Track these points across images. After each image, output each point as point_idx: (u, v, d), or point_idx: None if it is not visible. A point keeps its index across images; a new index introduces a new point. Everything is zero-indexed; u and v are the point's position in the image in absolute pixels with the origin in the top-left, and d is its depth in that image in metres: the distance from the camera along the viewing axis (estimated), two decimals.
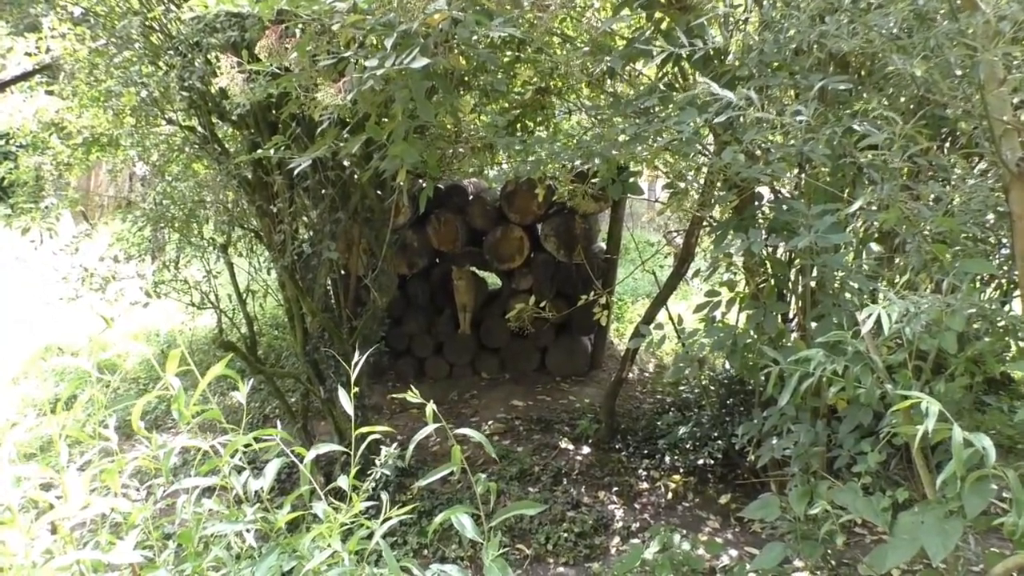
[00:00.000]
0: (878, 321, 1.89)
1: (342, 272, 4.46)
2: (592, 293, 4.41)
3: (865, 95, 2.57)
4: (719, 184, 3.20)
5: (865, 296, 2.55)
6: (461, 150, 3.66)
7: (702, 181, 3.49)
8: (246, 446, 1.57)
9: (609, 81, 3.83)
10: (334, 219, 3.98)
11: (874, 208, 2.33)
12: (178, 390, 1.50)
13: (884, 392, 2.06)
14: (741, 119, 2.38)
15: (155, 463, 1.58)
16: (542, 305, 5.03)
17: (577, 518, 3.99)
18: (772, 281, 3.07)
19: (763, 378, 2.70)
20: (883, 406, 2.18)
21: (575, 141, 3.16)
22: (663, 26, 3.16)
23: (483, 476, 1.68)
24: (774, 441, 2.87)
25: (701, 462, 4.38)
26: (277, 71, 2.57)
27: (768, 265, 3.13)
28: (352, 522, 1.59)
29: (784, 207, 2.75)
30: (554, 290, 6.05)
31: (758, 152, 2.74)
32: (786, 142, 2.45)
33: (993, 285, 3.00)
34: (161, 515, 2.02)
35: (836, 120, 2.33)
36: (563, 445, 4.92)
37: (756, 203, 3.19)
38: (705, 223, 3.97)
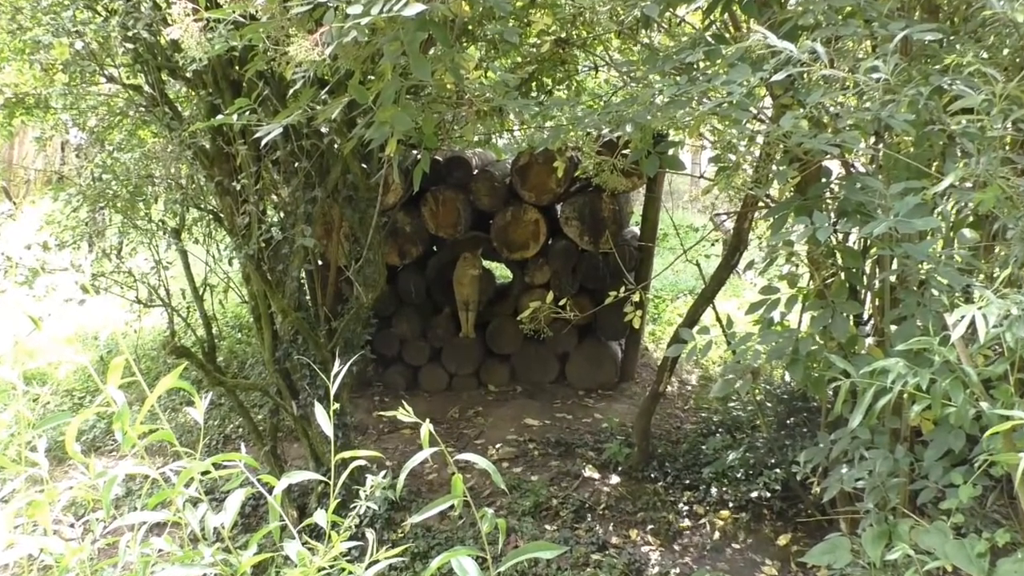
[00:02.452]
0: (972, 325, 1.87)
1: (319, 262, 4.48)
2: (623, 289, 4.39)
3: (958, 47, 2.53)
4: (777, 157, 3.18)
5: (956, 294, 2.54)
6: (463, 115, 3.64)
7: (757, 153, 3.45)
8: (203, 473, 1.57)
9: (644, 31, 3.82)
10: (310, 198, 3.99)
11: (968, 186, 2.31)
12: (121, 406, 1.50)
13: (979, 412, 2.05)
14: (804, 77, 2.37)
15: (93, 494, 1.57)
16: (562, 303, 5.01)
17: (604, 562, 3.99)
18: (842, 275, 3.06)
19: (831, 393, 2.67)
20: (978, 429, 2.16)
21: (602, 104, 3.16)
22: None
23: (489, 511, 1.67)
24: (844, 470, 2.85)
25: (755, 495, 4.39)
26: (241, 19, 2.57)
27: (837, 256, 3.10)
28: (331, 566, 1.59)
29: (857, 185, 2.74)
30: (576, 285, 6.09)
31: (825, 118, 2.73)
32: (860, 106, 2.44)
33: None
34: (101, 557, 2.03)
35: (922, 78, 2.31)
36: (587, 473, 4.93)
37: (823, 180, 3.15)
38: (760, 204, 3.96)
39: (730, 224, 4.42)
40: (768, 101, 3.34)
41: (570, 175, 5.50)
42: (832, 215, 2.80)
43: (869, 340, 3.29)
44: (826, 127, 2.66)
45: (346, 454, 1.72)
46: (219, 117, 3.24)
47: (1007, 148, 2.35)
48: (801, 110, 2.40)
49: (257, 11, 2.55)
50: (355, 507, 1.82)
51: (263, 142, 3.05)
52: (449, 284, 6.19)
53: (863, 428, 2.68)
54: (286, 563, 1.64)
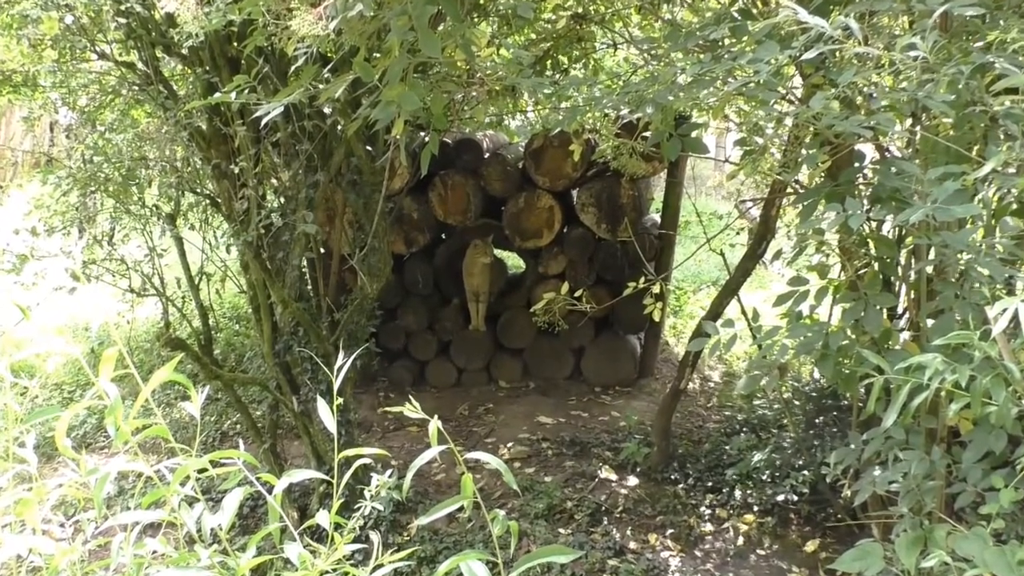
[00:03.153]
0: (1015, 318, 1.86)
1: (321, 250, 4.48)
2: (642, 280, 4.34)
3: (1002, 22, 2.50)
4: (807, 140, 3.14)
5: (998, 286, 2.51)
6: (475, 94, 3.65)
7: (785, 136, 3.41)
8: (200, 471, 1.57)
9: (666, 6, 3.81)
10: (311, 183, 4.00)
11: (1011, 171, 2.30)
12: (114, 400, 1.51)
13: (1022, 411, 2.04)
14: (836, 55, 2.36)
15: (84, 492, 1.58)
16: (577, 294, 5.00)
17: (621, 568, 4.00)
18: (875, 266, 3.04)
19: (863, 391, 2.71)
20: (1020, 429, 2.16)
21: (621, 83, 3.14)
22: None
23: (501, 513, 1.67)
24: (876, 472, 2.83)
25: (781, 498, 4.38)
26: None
27: (870, 245, 3.10)
28: (334, 569, 1.59)
29: (892, 170, 2.72)
30: (593, 275, 6.09)
31: (859, 99, 2.71)
32: (896, 85, 2.42)
33: None
34: (92, 558, 2.05)
35: (963, 56, 2.28)
36: (603, 474, 4.94)
37: (856, 165, 3.13)
38: (789, 190, 3.94)
39: (756, 211, 4.40)
40: (797, 80, 3.33)
41: (587, 159, 5.48)
42: (865, 202, 2.77)
43: (904, 335, 3.25)
44: (859, 108, 2.65)
45: (349, 452, 1.72)
46: (216, 96, 3.26)
47: None
48: (833, 90, 2.38)
49: None
50: (359, 508, 1.82)
51: (263, 123, 3.07)
52: (458, 274, 6.20)
53: (897, 428, 2.64)
54: (286, 566, 1.63)
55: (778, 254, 3.38)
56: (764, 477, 4.51)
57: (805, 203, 3.04)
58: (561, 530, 4.38)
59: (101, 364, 1.49)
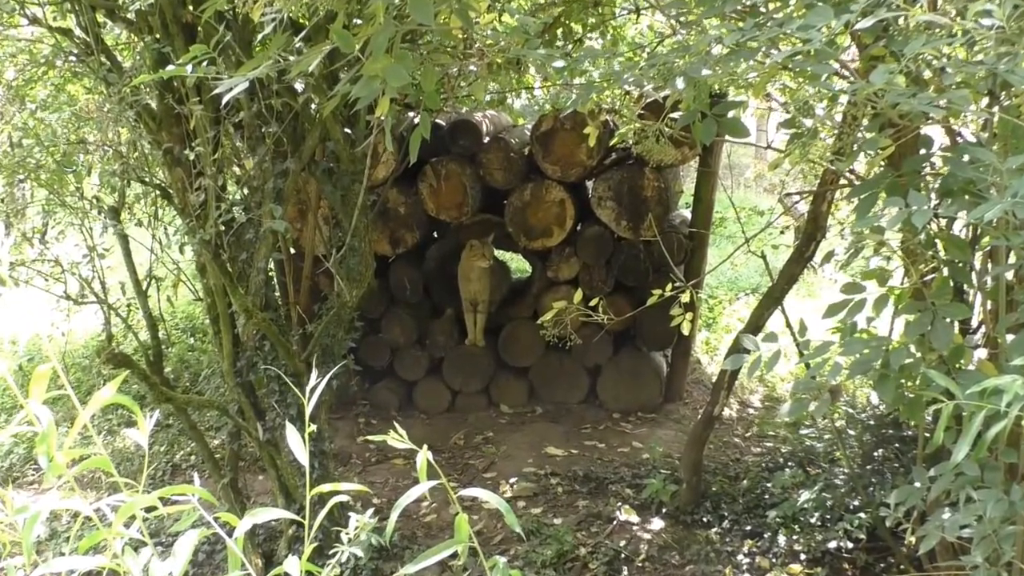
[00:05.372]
0: None
1: (292, 251, 4.49)
2: (669, 286, 4.31)
3: None
4: (865, 122, 3.14)
5: None
6: (473, 68, 3.63)
7: (839, 117, 3.41)
8: (147, 510, 1.57)
9: None
10: (280, 171, 3.99)
11: None
12: (46, 426, 1.51)
13: None
14: (900, 23, 2.36)
15: (11, 534, 1.58)
16: (593, 303, 4.98)
17: None
18: (944, 271, 3.03)
19: (929, 419, 2.73)
20: None
21: (645, 55, 3.14)
22: None
23: (502, 561, 1.68)
24: (946, 515, 2.83)
25: (833, 545, 4.36)
26: None
27: (939, 246, 3.09)
28: None
29: (965, 158, 2.72)
30: (611, 281, 6.11)
31: (927, 73, 2.71)
32: (970, 58, 2.43)
33: None
34: None
35: None
36: (623, 516, 4.94)
37: (922, 151, 3.14)
38: (842, 181, 3.95)
39: (804, 206, 4.40)
40: (854, 52, 3.32)
41: (604, 144, 5.48)
42: (933, 195, 2.79)
43: (979, 352, 3.27)
44: (927, 84, 2.64)
45: (324, 488, 1.72)
46: (169, 69, 3.21)
47: None
48: (896, 64, 2.37)
49: None
50: (335, 554, 1.82)
51: (223, 101, 3.05)
52: (453, 279, 6.21)
53: (970, 463, 2.64)
54: None
55: (829, 257, 3.36)
56: (813, 520, 4.47)
57: (862, 197, 3.03)
58: None
59: (31, 383, 1.48)
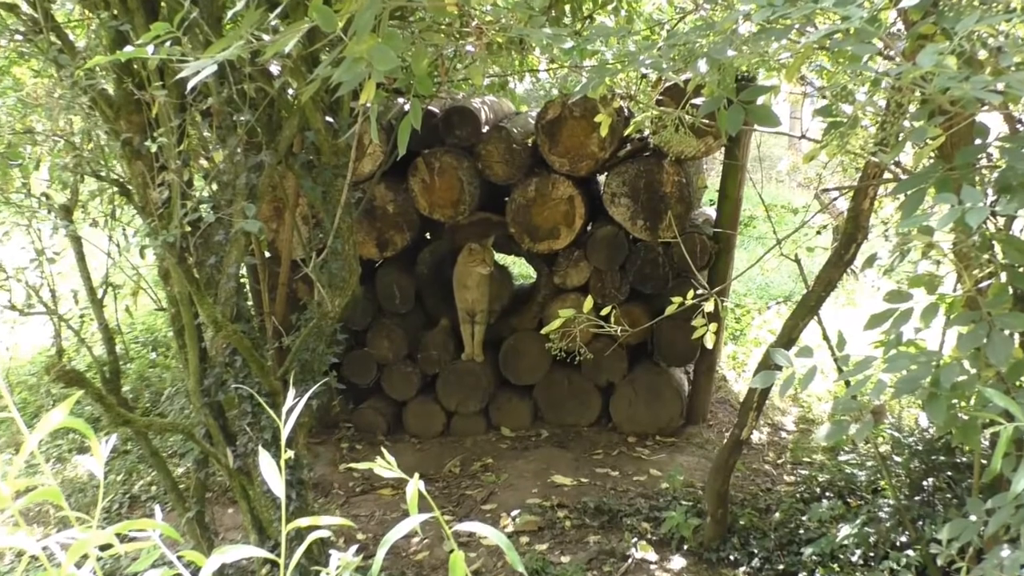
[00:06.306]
0: None
1: (267, 255, 4.52)
2: (691, 294, 4.34)
3: None
4: (912, 109, 3.17)
5: None
6: (470, 49, 3.65)
7: (882, 104, 3.46)
8: (102, 548, 1.52)
9: None
10: (254, 165, 3.98)
11: None
12: None
13: None
14: None
15: None
16: (605, 312, 4.93)
17: None
18: (1003, 276, 3.04)
19: (986, 443, 2.80)
20: None
21: (664, 33, 3.14)
22: None
23: None
24: (1005, 552, 2.82)
25: None
26: None
27: (996, 248, 3.10)
28: None
29: None
30: (626, 288, 6.14)
31: (982, 54, 2.71)
32: None
33: None
34: None
35: None
36: (639, 554, 4.95)
37: (978, 142, 3.14)
38: (887, 176, 3.94)
39: (844, 204, 4.37)
40: (899, 28, 3.32)
41: (618, 134, 5.54)
42: (989, 191, 2.80)
43: None
44: (982, 66, 2.65)
45: (302, 522, 1.69)
46: (127, 49, 3.19)
47: None
48: (947, 43, 2.37)
49: None
50: None
51: (189, 85, 3.03)
52: (448, 286, 6.28)
53: None
54: None
55: (871, 260, 3.37)
56: (855, 558, 4.45)
57: (909, 193, 3.02)
58: None
59: None
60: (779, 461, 6.04)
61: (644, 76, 3.46)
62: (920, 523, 4.23)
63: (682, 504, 5.22)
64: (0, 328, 4.58)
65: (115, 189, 4.38)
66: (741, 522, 5.02)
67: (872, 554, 4.41)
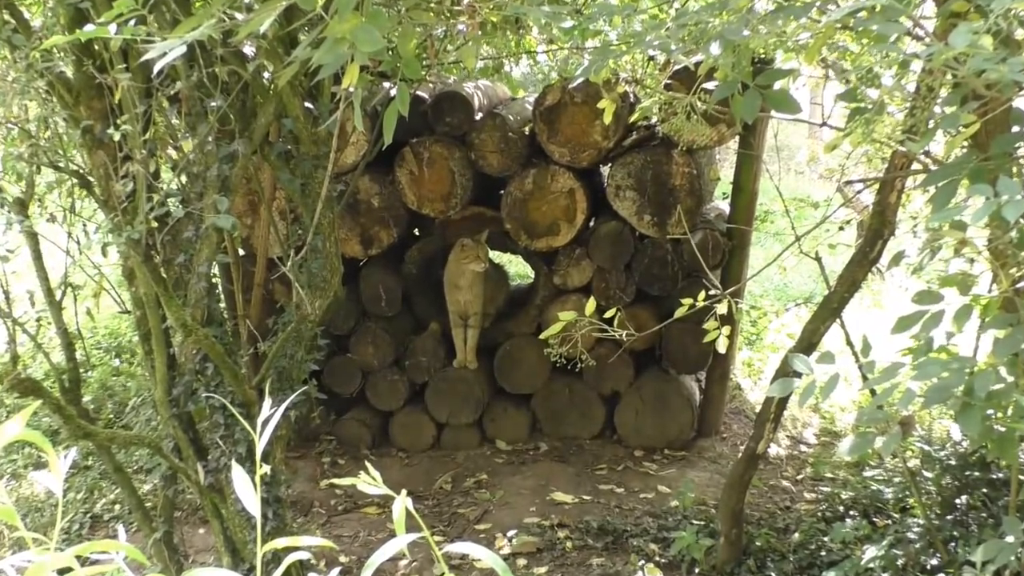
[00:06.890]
0: None
1: (241, 253, 4.49)
2: (703, 295, 4.32)
3: None
4: (943, 94, 3.17)
5: None
6: (462, 28, 3.68)
7: (911, 88, 3.46)
8: (61, 572, 1.51)
9: None
10: (227, 155, 3.96)
11: None
12: None
13: None
14: None
15: None
16: (609, 315, 4.90)
17: None
18: None
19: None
20: None
21: (672, 12, 3.08)
22: None
23: None
24: None
25: None
26: None
27: None
28: None
29: None
30: (632, 289, 6.17)
31: (1019, 33, 2.77)
32: None
33: None
34: None
35: None
36: None
37: (1015, 129, 3.15)
38: (916, 167, 3.93)
39: (869, 197, 4.36)
40: (929, 7, 3.37)
41: (623, 122, 5.55)
42: None
43: None
44: (1020, 47, 2.68)
45: (279, 543, 1.67)
46: (88, 28, 3.13)
47: None
48: (982, 21, 2.36)
49: None
50: None
51: (156, 68, 2.97)
52: (438, 286, 6.31)
53: None
54: None
55: (899, 259, 3.40)
56: None
57: (940, 185, 3.01)
58: None
59: None
60: (799, 477, 6.04)
61: (651, 58, 3.43)
62: (952, 544, 4.21)
63: (693, 524, 5.21)
64: None
65: (75, 181, 4.38)
66: (757, 543, 5.00)
67: None
